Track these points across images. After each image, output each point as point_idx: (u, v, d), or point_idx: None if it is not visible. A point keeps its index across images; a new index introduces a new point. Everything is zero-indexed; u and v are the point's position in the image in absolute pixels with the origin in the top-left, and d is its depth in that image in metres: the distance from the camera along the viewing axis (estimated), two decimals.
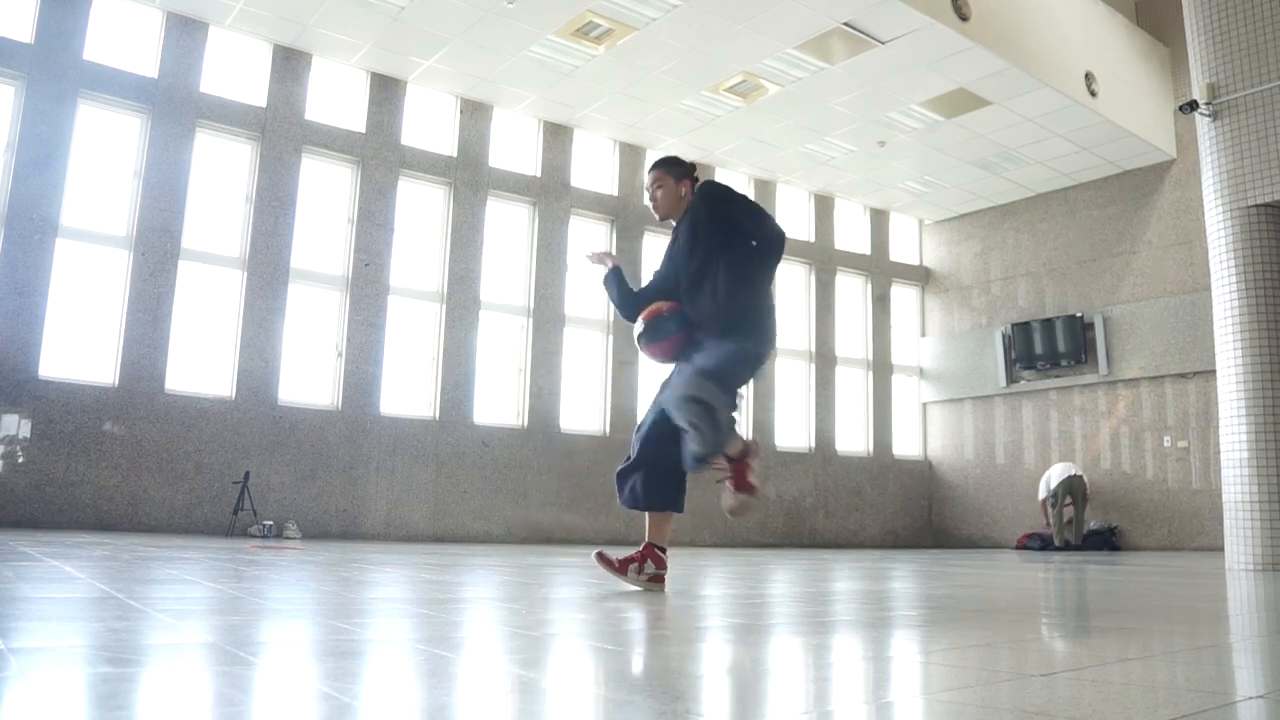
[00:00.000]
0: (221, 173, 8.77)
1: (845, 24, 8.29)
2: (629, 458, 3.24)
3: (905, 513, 12.64)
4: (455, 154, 9.86)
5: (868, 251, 12.88)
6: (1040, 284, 12.16)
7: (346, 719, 1.12)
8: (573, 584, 3.57)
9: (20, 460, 7.48)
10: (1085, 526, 10.88)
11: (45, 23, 7.91)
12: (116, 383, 7.94)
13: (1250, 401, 6.68)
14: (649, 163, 11.17)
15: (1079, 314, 11.52)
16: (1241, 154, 6.94)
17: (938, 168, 11.48)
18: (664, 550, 3.28)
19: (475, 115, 10.01)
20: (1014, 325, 12.15)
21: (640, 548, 3.27)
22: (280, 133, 8.91)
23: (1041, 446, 11.92)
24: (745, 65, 9.08)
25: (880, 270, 12.95)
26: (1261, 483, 6.54)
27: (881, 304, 12.92)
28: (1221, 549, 7.30)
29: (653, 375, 10.86)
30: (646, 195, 3.50)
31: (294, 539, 7.95)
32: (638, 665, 1.71)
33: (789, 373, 11.93)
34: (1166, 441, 10.78)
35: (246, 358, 8.52)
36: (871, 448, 12.47)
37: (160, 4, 8.34)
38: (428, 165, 9.69)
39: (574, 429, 10.19)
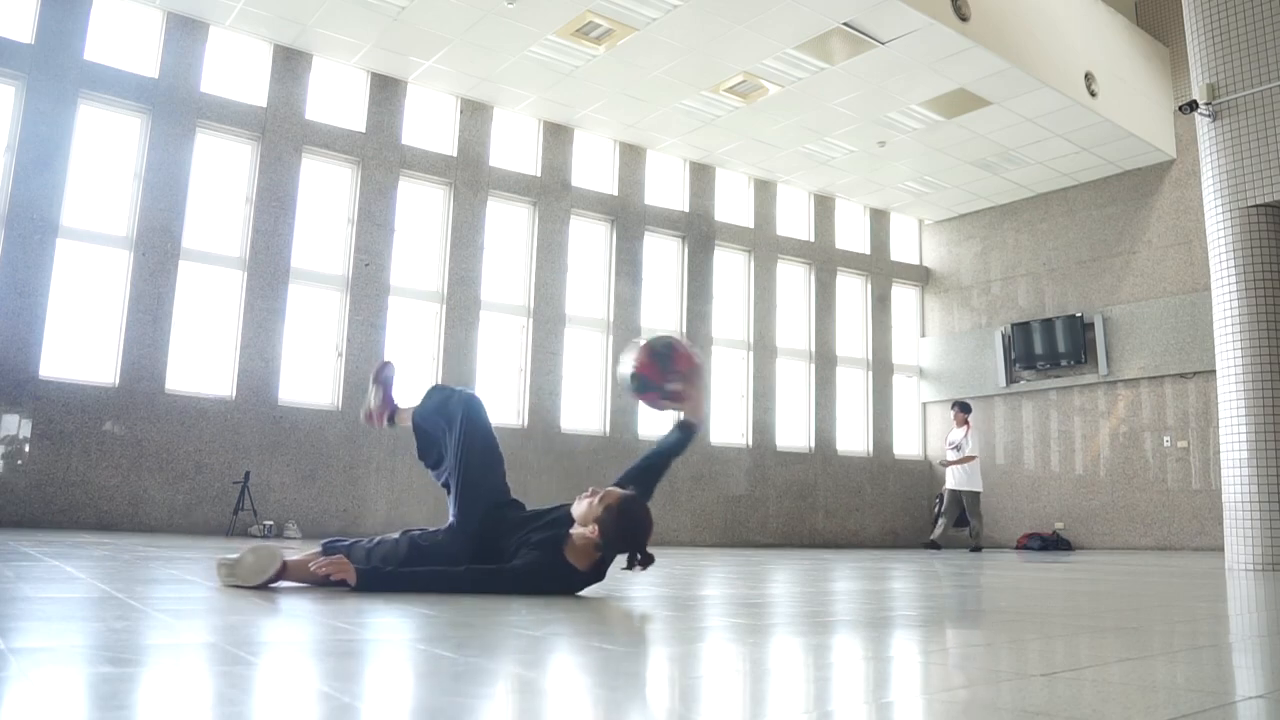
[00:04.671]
0: (221, 173, 8.77)
1: (845, 24, 8.29)
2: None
3: (905, 513, 12.64)
4: (455, 154, 9.86)
5: (868, 251, 12.88)
6: (1040, 284, 12.16)
7: (346, 719, 1.12)
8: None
9: (20, 460, 7.48)
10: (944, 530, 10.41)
11: (45, 23, 7.91)
12: (117, 383, 7.94)
13: (1250, 401, 6.68)
14: (649, 163, 11.22)
15: (1079, 314, 11.52)
16: (1241, 154, 6.95)
17: (938, 168, 11.48)
18: None
19: (475, 115, 10.01)
20: (1014, 325, 12.15)
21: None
22: (280, 133, 8.91)
23: (1041, 446, 11.92)
24: (745, 65, 9.08)
25: (880, 270, 12.95)
26: (1261, 483, 6.54)
27: (881, 304, 12.92)
28: (1221, 549, 7.30)
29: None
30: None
31: (294, 539, 7.95)
32: (638, 665, 1.71)
33: (789, 373, 11.94)
34: (1166, 441, 10.78)
35: (246, 358, 8.52)
36: (871, 448, 12.47)
37: (160, 4, 8.34)
38: (428, 165, 9.69)
39: (574, 429, 10.19)
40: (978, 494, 10.35)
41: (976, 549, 10.18)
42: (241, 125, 8.77)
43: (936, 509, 10.79)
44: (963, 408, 10.60)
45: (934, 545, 10.29)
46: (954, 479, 10.35)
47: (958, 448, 10.41)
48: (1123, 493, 11.11)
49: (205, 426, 8.24)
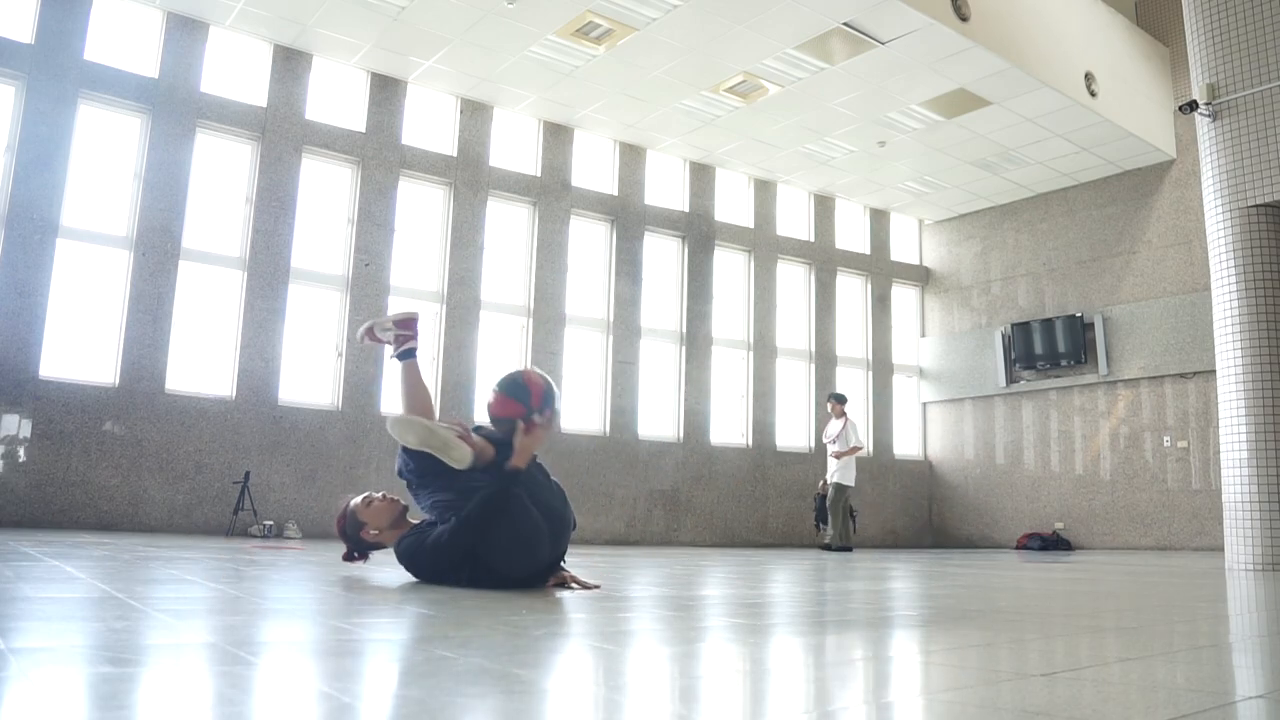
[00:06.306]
0: (221, 173, 8.77)
1: (845, 24, 8.29)
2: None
3: (905, 513, 12.64)
4: (455, 154, 9.86)
5: (868, 251, 12.89)
6: (1040, 284, 12.16)
7: (346, 719, 1.12)
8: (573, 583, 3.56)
9: (20, 460, 7.48)
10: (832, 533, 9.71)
11: (45, 23, 7.91)
12: (117, 383, 7.94)
13: (1250, 401, 6.68)
14: (649, 163, 11.22)
15: (1079, 314, 11.52)
16: (1241, 154, 6.95)
17: (938, 168, 11.48)
18: None
19: (475, 115, 10.01)
20: (1014, 325, 12.15)
21: None
22: (280, 133, 8.91)
23: (1041, 446, 11.93)
24: (745, 65, 9.08)
25: (880, 270, 12.95)
26: (1261, 483, 6.54)
27: (881, 304, 12.93)
28: (1221, 549, 7.31)
29: (654, 376, 10.86)
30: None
31: (294, 539, 7.95)
32: (638, 665, 1.71)
33: (789, 372, 11.94)
34: (1166, 441, 10.78)
35: (246, 358, 8.52)
36: (871, 448, 12.47)
37: (160, 4, 8.34)
38: (428, 165, 9.69)
39: (574, 429, 10.19)
40: (844, 488, 9.70)
41: (834, 548, 9.44)
42: (241, 125, 8.77)
43: (816, 508, 10.12)
44: (838, 399, 10.15)
45: (844, 548, 9.48)
46: (829, 470, 9.84)
47: (834, 440, 9.87)
48: (1123, 493, 11.11)
49: (205, 426, 8.24)
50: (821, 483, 9.99)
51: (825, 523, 9.86)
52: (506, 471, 3.06)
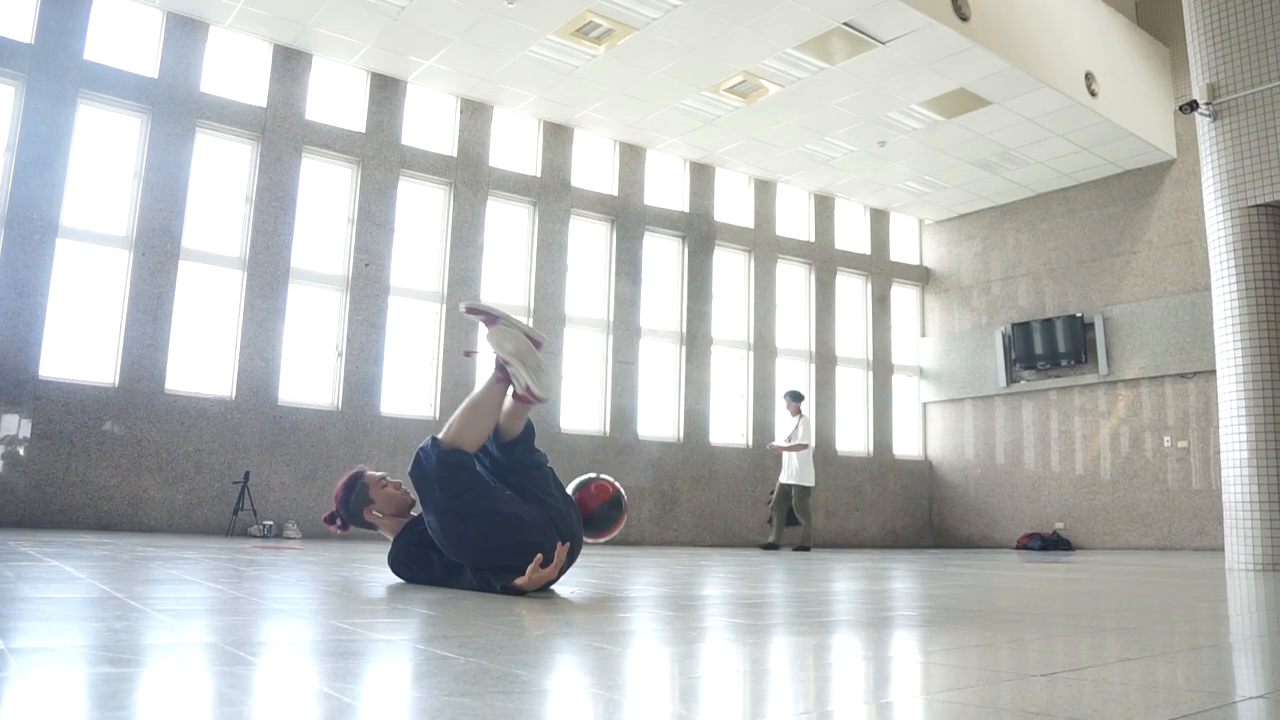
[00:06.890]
0: (221, 173, 8.77)
1: (845, 24, 8.29)
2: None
3: (905, 513, 12.64)
4: (455, 154, 9.87)
5: (868, 251, 12.89)
6: (1040, 284, 12.16)
7: (346, 719, 1.12)
8: (571, 584, 3.57)
9: (20, 460, 7.48)
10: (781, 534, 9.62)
11: (45, 23, 7.91)
12: (116, 383, 7.94)
13: (1250, 401, 6.68)
14: (649, 163, 11.22)
15: (1079, 314, 11.52)
16: (1241, 154, 6.95)
17: (938, 168, 11.48)
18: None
19: (475, 115, 10.01)
20: (1014, 325, 12.15)
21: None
22: (280, 133, 8.91)
23: (1041, 447, 11.93)
24: (745, 65, 9.08)
25: (880, 270, 12.95)
26: (1261, 483, 6.54)
27: (881, 304, 12.93)
28: (1221, 549, 7.31)
29: (654, 376, 10.86)
30: None
31: (294, 539, 7.95)
32: (638, 665, 1.71)
33: (789, 373, 11.94)
34: (1166, 441, 10.78)
35: (246, 358, 8.52)
36: (871, 448, 12.47)
37: (160, 4, 8.34)
38: (428, 165, 9.69)
39: (574, 429, 10.19)
40: (808, 489, 9.59)
41: (803, 549, 9.32)
42: (241, 125, 8.77)
43: (769, 506, 9.96)
44: (794, 396, 9.94)
45: (772, 546, 9.39)
46: (785, 472, 9.64)
47: (790, 438, 9.73)
48: (1123, 493, 11.11)
49: (205, 426, 8.24)
50: (788, 486, 9.73)
51: (791, 524, 9.68)
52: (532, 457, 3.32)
